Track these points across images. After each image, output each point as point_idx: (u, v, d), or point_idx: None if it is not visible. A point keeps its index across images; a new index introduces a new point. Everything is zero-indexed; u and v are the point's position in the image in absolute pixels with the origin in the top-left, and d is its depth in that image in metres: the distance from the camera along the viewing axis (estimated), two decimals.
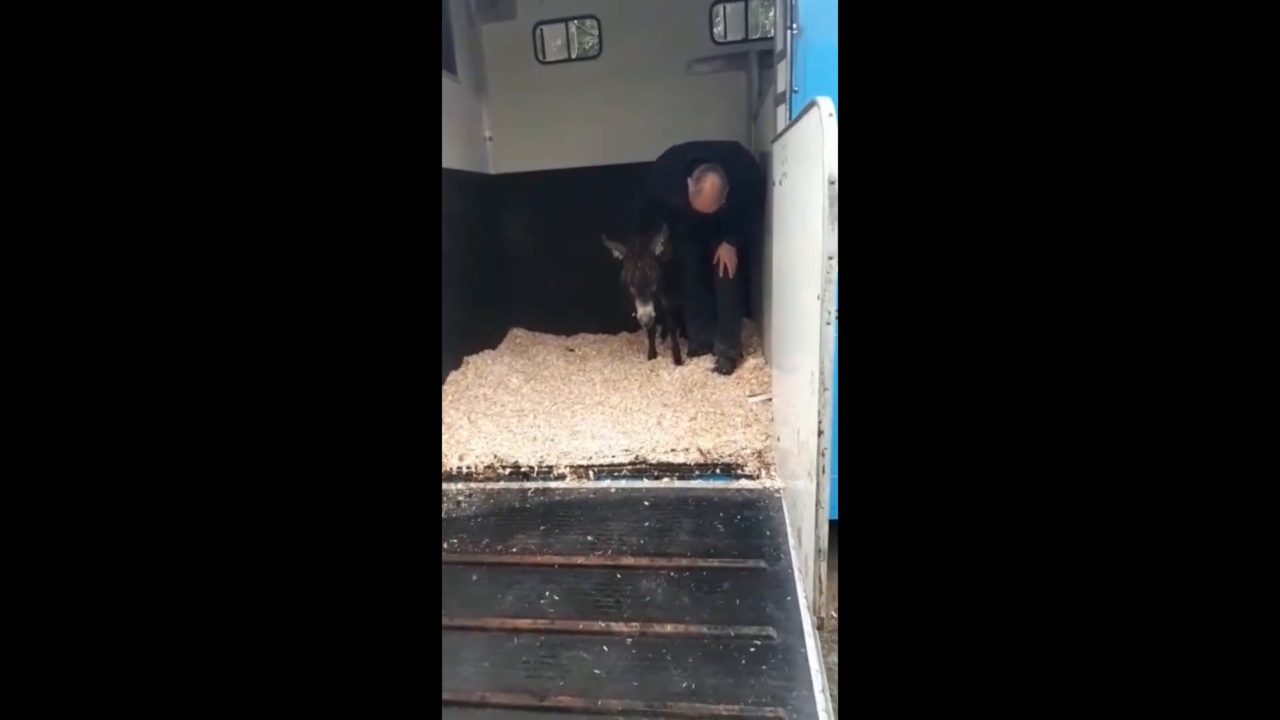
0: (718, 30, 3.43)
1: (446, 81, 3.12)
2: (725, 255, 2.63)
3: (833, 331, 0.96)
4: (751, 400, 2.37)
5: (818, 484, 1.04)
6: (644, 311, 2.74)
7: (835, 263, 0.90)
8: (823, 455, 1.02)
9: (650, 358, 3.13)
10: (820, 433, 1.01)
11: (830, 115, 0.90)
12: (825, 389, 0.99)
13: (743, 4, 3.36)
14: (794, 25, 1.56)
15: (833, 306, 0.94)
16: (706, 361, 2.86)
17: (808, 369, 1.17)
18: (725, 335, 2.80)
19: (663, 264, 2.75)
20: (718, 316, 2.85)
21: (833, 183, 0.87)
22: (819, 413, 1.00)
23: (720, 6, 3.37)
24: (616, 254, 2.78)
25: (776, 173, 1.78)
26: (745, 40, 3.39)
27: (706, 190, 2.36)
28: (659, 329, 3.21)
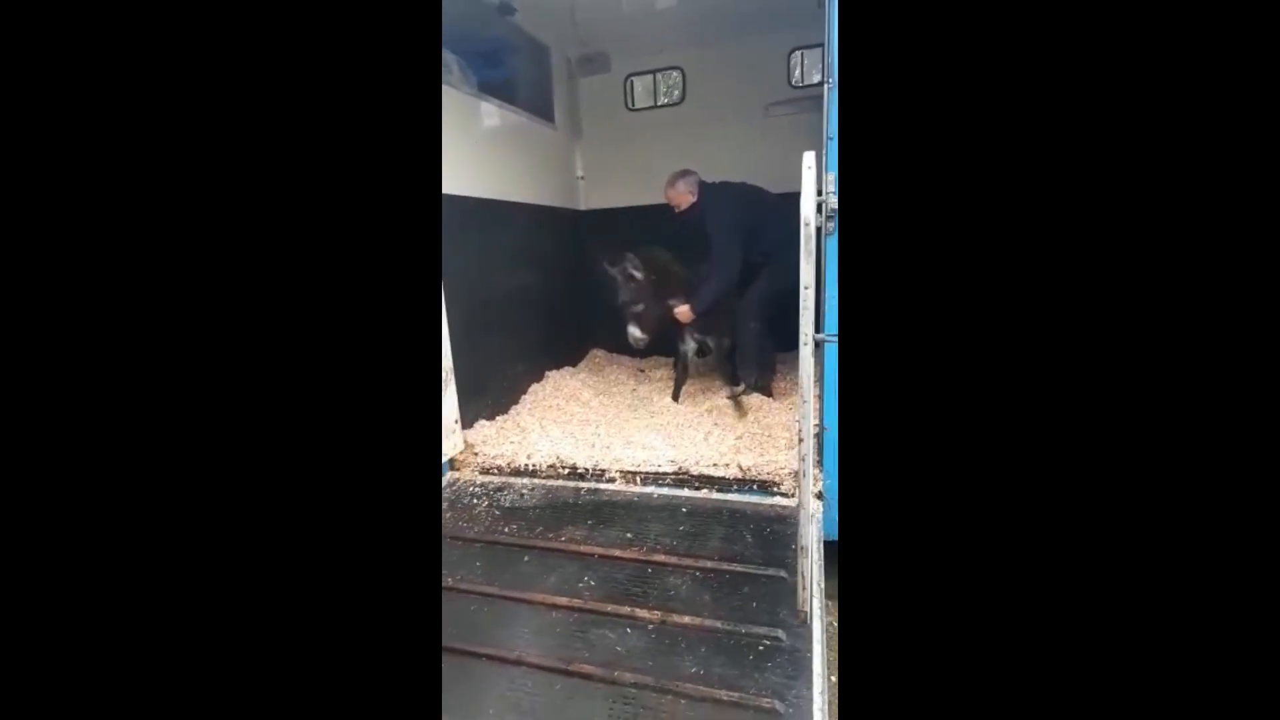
0: (795, 75, 3.60)
1: (544, 129, 3.55)
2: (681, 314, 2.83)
3: (809, 351, 1.10)
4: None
5: (800, 486, 1.15)
6: (630, 332, 2.80)
7: (811, 292, 1.04)
8: (803, 460, 1.14)
9: (674, 399, 3.04)
10: (800, 440, 1.13)
11: (809, 168, 1.06)
12: (804, 401, 1.12)
13: (820, 49, 3.51)
14: (830, 79, 1.72)
15: (809, 329, 1.08)
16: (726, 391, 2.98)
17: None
18: (745, 363, 2.95)
19: (652, 287, 2.76)
20: (742, 350, 2.97)
21: (807, 223, 1.03)
22: (799, 422, 1.13)
23: (798, 53, 3.55)
24: (617, 276, 2.83)
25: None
26: (821, 83, 3.52)
27: (669, 193, 2.89)
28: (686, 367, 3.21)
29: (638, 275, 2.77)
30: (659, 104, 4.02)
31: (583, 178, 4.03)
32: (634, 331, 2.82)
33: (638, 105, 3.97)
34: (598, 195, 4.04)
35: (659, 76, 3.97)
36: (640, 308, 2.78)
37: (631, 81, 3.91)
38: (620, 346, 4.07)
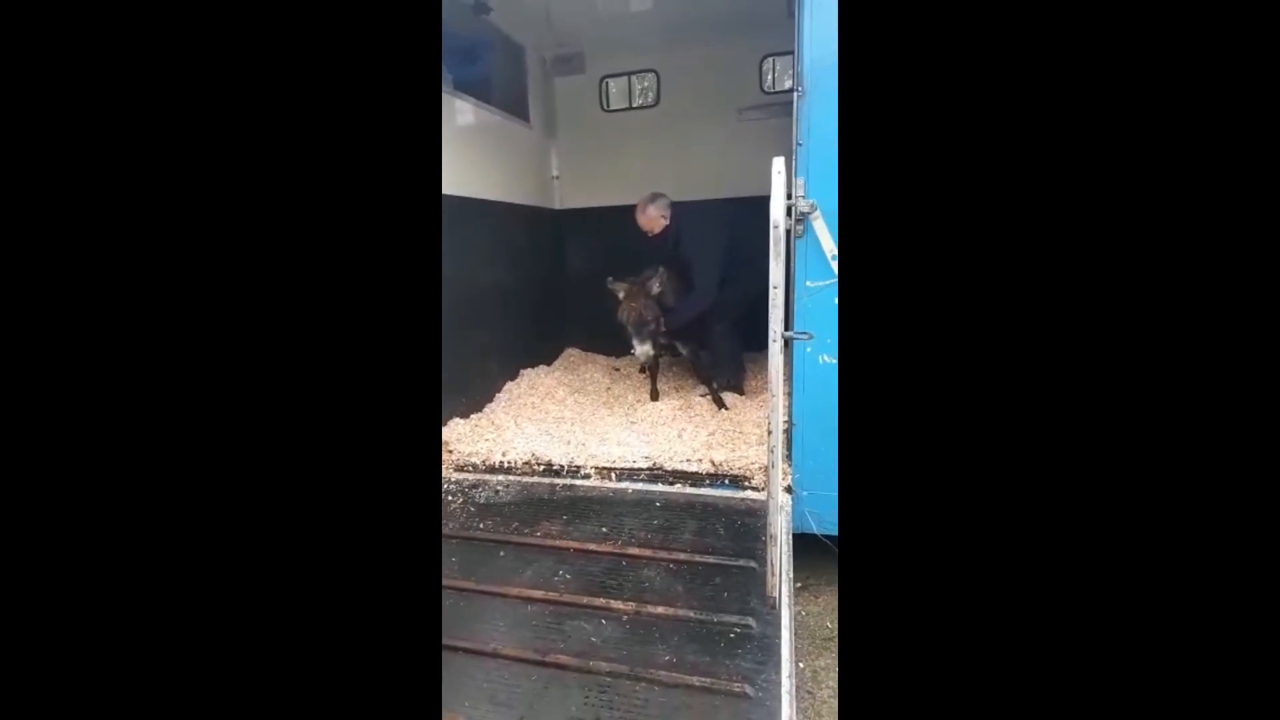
0: (767, 81, 3.69)
1: (520, 128, 3.56)
2: None
3: (778, 349, 1.15)
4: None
5: (769, 478, 1.21)
6: (641, 350, 2.71)
7: (780, 291, 1.10)
8: (772, 451, 1.20)
9: (654, 399, 3.09)
10: (770, 432, 1.19)
11: (779, 173, 1.11)
12: (773, 396, 1.17)
13: (791, 56, 3.60)
14: (799, 88, 1.79)
15: (778, 327, 1.13)
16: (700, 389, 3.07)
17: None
18: (717, 364, 3.05)
19: (662, 304, 2.74)
20: (714, 352, 3.06)
21: (776, 226, 1.08)
22: (769, 416, 1.18)
23: (770, 59, 3.64)
24: (620, 295, 2.78)
25: None
26: (792, 89, 3.62)
27: (641, 219, 2.92)
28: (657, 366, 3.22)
29: (657, 290, 2.71)
30: (634, 106, 4.06)
31: (558, 177, 4.05)
32: (648, 349, 2.71)
33: (613, 107, 4.01)
34: (573, 195, 4.06)
35: (634, 79, 4.01)
36: (652, 326, 2.70)
37: (607, 83, 3.94)
38: (595, 345, 4.12)
